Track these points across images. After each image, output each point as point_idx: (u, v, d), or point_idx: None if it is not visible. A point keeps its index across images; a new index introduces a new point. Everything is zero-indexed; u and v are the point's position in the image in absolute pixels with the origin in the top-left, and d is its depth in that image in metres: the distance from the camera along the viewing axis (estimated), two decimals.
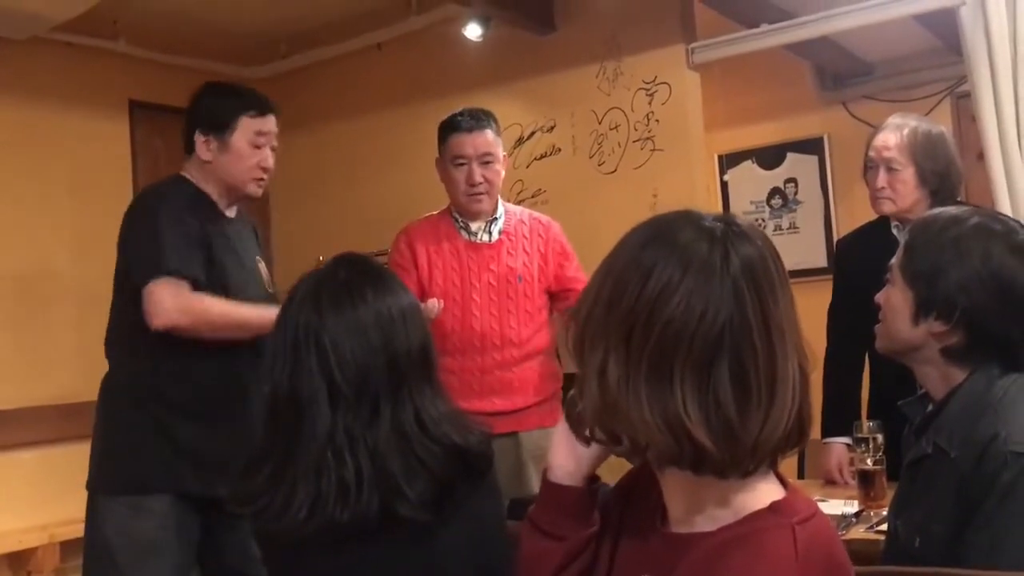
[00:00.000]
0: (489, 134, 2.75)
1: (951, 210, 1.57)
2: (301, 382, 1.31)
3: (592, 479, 1.14)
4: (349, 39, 4.47)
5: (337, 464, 1.27)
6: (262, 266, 2.47)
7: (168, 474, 2.22)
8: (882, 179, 2.47)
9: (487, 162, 2.74)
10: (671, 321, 0.93)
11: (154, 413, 2.24)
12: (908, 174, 2.45)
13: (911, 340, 1.51)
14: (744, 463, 0.95)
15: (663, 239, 0.98)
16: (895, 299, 1.54)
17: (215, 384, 2.27)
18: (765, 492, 0.99)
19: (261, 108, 2.39)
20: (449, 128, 2.80)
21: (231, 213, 2.42)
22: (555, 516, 1.13)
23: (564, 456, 1.13)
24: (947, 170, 2.47)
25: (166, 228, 2.21)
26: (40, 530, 3.58)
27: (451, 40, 4.12)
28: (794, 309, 0.98)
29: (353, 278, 1.38)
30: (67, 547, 3.53)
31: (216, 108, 2.37)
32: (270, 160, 2.40)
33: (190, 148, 2.37)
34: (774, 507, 0.97)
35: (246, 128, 2.35)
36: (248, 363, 2.24)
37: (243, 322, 2.21)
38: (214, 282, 2.25)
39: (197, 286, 2.20)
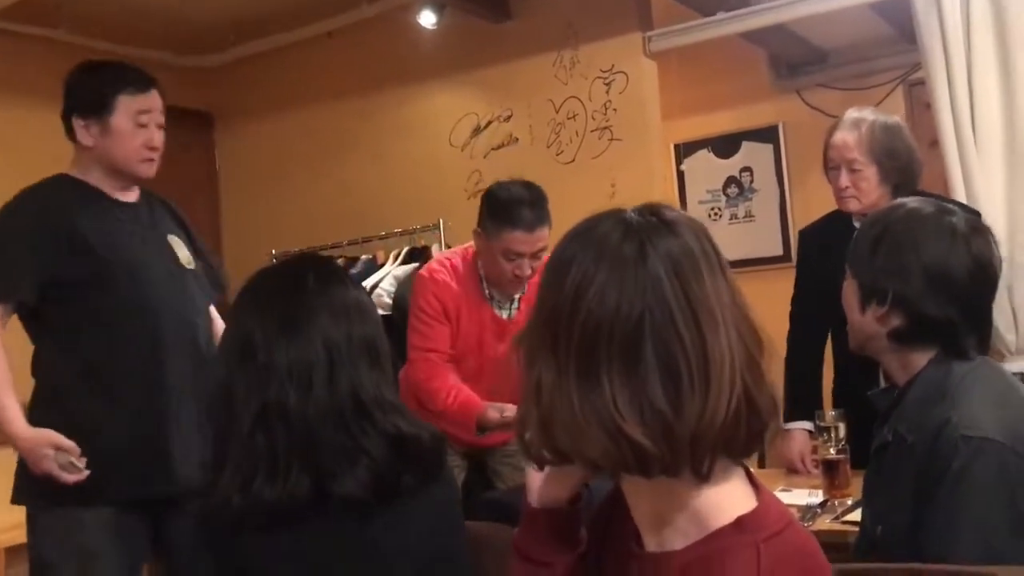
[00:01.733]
0: (547, 228, 2.59)
1: (895, 201, 1.62)
2: (240, 370, 1.34)
3: (574, 499, 1.10)
4: (299, 27, 4.38)
5: (267, 443, 1.28)
6: (177, 242, 2.37)
7: (95, 486, 2.14)
8: (845, 179, 2.48)
9: (539, 255, 2.60)
10: (589, 315, 0.91)
11: (71, 424, 2.16)
12: (870, 172, 2.46)
13: (864, 329, 1.55)
14: (688, 457, 0.91)
15: (581, 235, 0.97)
16: (847, 292, 1.58)
17: (129, 389, 2.20)
18: (732, 503, 0.94)
19: (141, 84, 2.28)
20: (506, 220, 2.57)
21: (129, 197, 2.33)
22: (538, 542, 1.10)
23: (541, 479, 1.09)
24: (908, 164, 2.49)
25: None
26: None
27: (405, 28, 4.06)
28: (732, 293, 0.95)
29: (299, 269, 1.42)
30: (12, 553, 3.42)
31: (91, 89, 2.26)
32: (157, 139, 2.30)
33: (71, 134, 2.28)
34: (739, 523, 0.92)
35: (126, 107, 2.24)
36: (152, 363, 2.21)
37: None
38: (94, 272, 2.18)
39: (21, 306, 2.19)
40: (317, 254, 4.06)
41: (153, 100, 2.30)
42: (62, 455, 2.09)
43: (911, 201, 1.58)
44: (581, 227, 0.98)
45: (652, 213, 0.97)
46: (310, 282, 1.39)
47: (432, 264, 2.83)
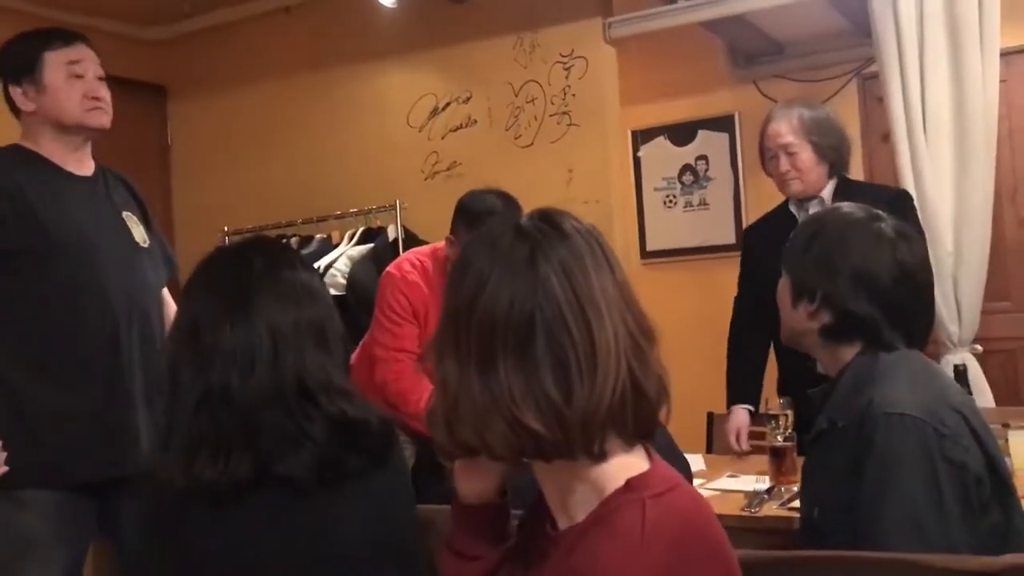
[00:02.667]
0: None
1: (832, 205, 1.69)
2: (185, 352, 1.35)
3: (501, 493, 1.16)
4: (255, 1, 4.31)
5: (209, 425, 1.29)
6: (132, 220, 2.33)
7: (37, 467, 2.09)
8: (784, 163, 2.67)
9: None
10: (485, 313, 1.00)
11: (11, 402, 2.12)
12: (806, 153, 2.66)
13: (794, 325, 1.63)
14: (579, 440, 0.99)
15: (480, 241, 1.06)
16: (781, 287, 1.67)
17: (75, 368, 2.15)
18: (625, 470, 1.02)
19: (63, 38, 2.26)
20: (479, 228, 2.60)
21: (84, 171, 2.29)
22: (468, 537, 1.16)
23: (468, 476, 1.15)
24: (839, 143, 2.71)
25: None
26: None
27: (364, 5, 4.01)
28: (620, 286, 1.04)
29: (248, 252, 1.43)
30: None
31: (17, 53, 2.25)
32: (98, 89, 2.26)
33: (13, 106, 2.25)
34: (629, 484, 1.01)
35: (55, 61, 2.22)
36: (103, 344, 2.17)
37: None
38: (44, 247, 2.12)
39: None
40: (269, 237, 4.03)
41: (81, 51, 2.26)
42: None
43: (845, 205, 1.67)
44: (480, 235, 1.08)
45: (543, 219, 1.06)
46: (258, 265, 1.39)
47: (403, 263, 2.84)
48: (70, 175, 2.25)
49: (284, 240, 4.13)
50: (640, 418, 1.02)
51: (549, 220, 1.06)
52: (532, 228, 1.05)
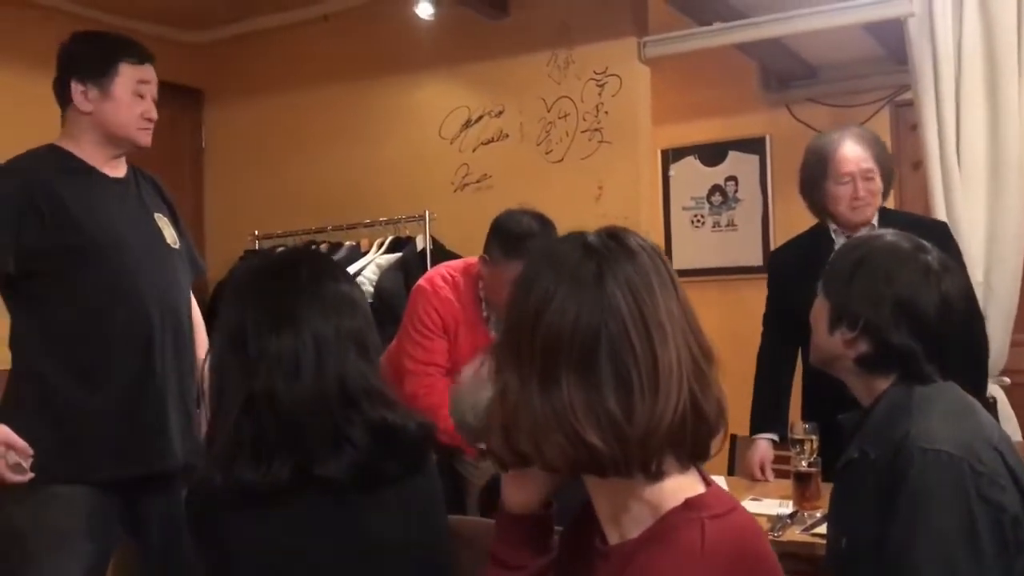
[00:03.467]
0: None
1: (876, 231, 1.72)
2: (231, 358, 1.40)
3: (546, 505, 1.16)
4: (296, 8, 4.36)
5: (252, 427, 1.33)
6: (164, 221, 2.37)
7: (68, 464, 2.12)
8: (862, 188, 2.59)
9: None
10: (550, 327, 1.00)
11: (45, 400, 2.15)
12: (879, 179, 2.61)
13: (830, 349, 1.61)
14: (638, 458, 0.99)
15: (544, 256, 1.07)
16: (817, 310, 1.65)
17: (108, 367, 2.18)
18: (682, 490, 1.03)
19: (141, 56, 2.30)
20: (515, 253, 2.52)
21: (117, 172, 2.32)
22: (512, 547, 1.16)
23: (515, 486, 1.15)
24: (892, 169, 2.68)
25: None
26: None
27: (401, 17, 4.04)
28: (682, 306, 1.04)
29: (293, 263, 1.49)
30: None
31: (94, 55, 2.27)
32: (153, 112, 2.31)
33: (65, 100, 2.27)
34: (688, 503, 1.01)
35: (128, 75, 2.26)
36: (136, 343, 2.19)
37: None
38: (78, 247, 2.15)
39: (4, 275, 2.15)
40: (312, 248, 4.07)
41: (151, 73, 2.31)
42: (12, 455, 2.04)
43: (890, 234, 1.65)
44: (545, 248, 1.09)
45: (610, 237, 1.06)
46: (303, 275, 1.44)
47: (435, 278, 2.82)
48: (104, 176, 2.29)
49: (314, 246, 4.16)
50: (698, 440, 1.02)
51: (616, 237, 1.06)
52: (600, 245, 1.05)
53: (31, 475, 2.06)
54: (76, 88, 2.24)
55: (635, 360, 0.98)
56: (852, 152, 2.59)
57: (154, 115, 2.31)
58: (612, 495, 1.05)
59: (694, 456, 1.04)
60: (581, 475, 1.05)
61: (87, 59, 2.26)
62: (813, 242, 2.69)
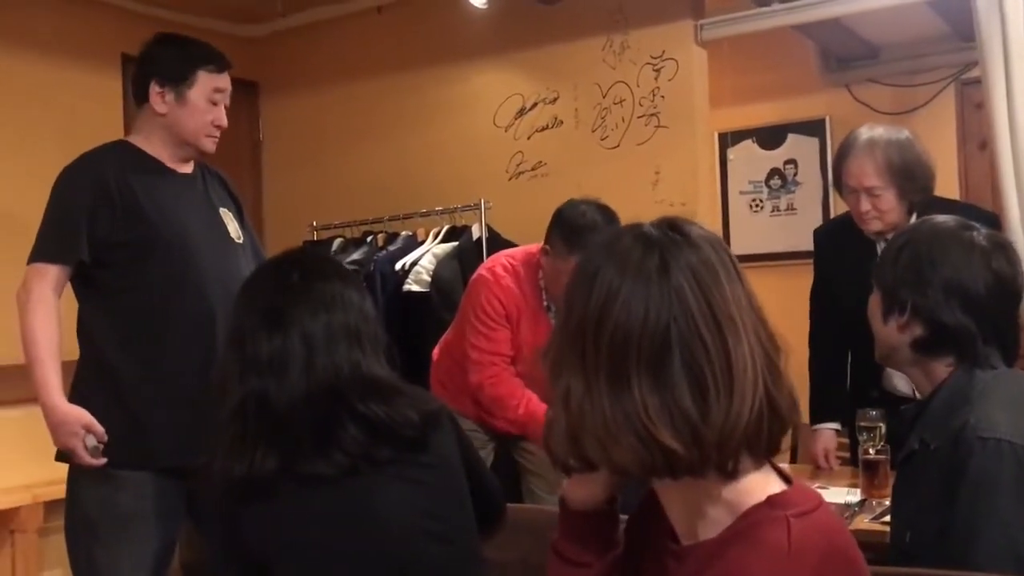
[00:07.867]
0: None
1: (923, 219, 1.69)
2: (230, 358, 1.48)
3: (611, 500, 1.13)
4: (348, 1, 4.38)
5: (243, 425, 1.41)
6: (228, 215, 2.42)
7: (135, 450, 2.19)
8: (865, 203, 2.46)
9: None
10: (617, 326, 0.96)
11: (113, 388, 2.22)
12: (891, 195, 2.44)
13: (887, 340, 1.60)
14: (714, 459, 0.95)
15: (604, 250, 1.01)
16: (872, 303, 1.64)
17: (173, 357, 2.23)
18: (762, 488, 0.99)
19: (220, 64, 2.35)
20: (578, 246, 2.48)
21: (185, 169, 2.38)
22: (576, 544, 1.14)
23: (578, 482, 1.13)
24: (928, 183, 2.47)
25: (51, 211, 2.24)
26: (24, 490, 3.52)
27: (454, 6, 4.04)
28: (750, 297, 1.00)
29: (287, 265, 1.56)
30: (50, 507, 3.48)
31: (175, 59, 2.31)
32: (225, 119, 2.36)
33: (142, 98, 2.32)
34: (771, 500, 0.97)
35: (205, 83, 2.31)
36: (201, 335, 2.23)
37: (28, 349, 2.20)
38: (147, 240, 2.22)
39: (78, 264, 2.22)
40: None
41: (227, 81, 2.37)
42: (91, 437, 2.14)
43: (937, 217, 1.64)
44: (603, 242, 1.03)
45: (670, 227, 1.01)
46: (294, 279, 1.51)
47: (495, 267, 2.81)
48: (173, 172, 2.35)
49: (370, 237, 4.19)
50: (773, 434, 0.98)
51: (676, 227, 1.01)
52: (660, 236, 1.00)
53: (104, 460, 2.12)
54: (154, 89, 2.29)
55: (708, 357, 0.94)
56: (856, 168, 2.45)
57: (224, 123, 2.35)
58: (685, 495, 1.01)
59: (768, 451, 1.01)
60: (652, 477, 1.02)
61: (168, 63, 2.31)
62: (850, 224, 2.58)
